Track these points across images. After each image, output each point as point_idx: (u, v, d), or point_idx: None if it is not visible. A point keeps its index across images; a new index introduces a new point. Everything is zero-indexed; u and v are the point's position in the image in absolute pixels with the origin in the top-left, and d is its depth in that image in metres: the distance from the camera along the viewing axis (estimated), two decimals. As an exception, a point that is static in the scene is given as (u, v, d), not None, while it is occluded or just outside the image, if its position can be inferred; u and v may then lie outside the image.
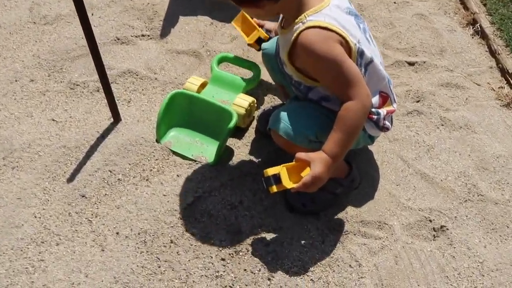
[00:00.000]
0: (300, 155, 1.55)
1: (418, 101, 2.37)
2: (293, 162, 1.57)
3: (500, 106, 2.38)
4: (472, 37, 2.80)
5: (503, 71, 2.56)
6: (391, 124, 1.84)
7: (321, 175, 1.52)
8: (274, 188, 1.54)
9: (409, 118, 2.28)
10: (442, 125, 2.26)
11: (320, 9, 1.54)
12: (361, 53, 1.61)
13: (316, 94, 1.72)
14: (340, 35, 1.53)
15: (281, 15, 1.73)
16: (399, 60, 2.55)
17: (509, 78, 2.51)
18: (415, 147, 2.16)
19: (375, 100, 1.73)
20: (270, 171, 1.54)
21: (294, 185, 1.52)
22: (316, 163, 1.52)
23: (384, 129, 1.80)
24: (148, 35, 2.61)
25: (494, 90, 2.47)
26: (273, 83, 2.30)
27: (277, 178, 1.53)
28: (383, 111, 1.75)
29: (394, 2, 2.99)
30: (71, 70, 2.38)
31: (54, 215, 1.81)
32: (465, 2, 3.02)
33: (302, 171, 1.54)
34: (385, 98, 1.77)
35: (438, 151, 2.15)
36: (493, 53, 2.68)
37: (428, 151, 2.15)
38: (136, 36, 2.59)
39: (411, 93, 2.40)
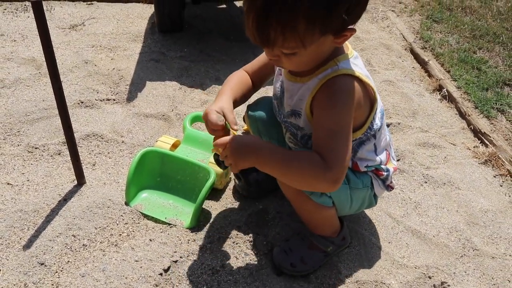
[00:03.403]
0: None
1: (398, 160, 2.30)
2: None
3: (479, 163, 2.35)
4: (441, 101, 2.84)
5: (476, 132, 2.57)
6: None
7: (238, 142, 1.40)
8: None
9: (393, 177, 2.20)
10: (426, 182, 2.19)
11: (348, 57, 1.45)
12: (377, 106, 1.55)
13: None
14: (366, 86, 1.45)
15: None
16: (374, 121, 2.52)
17: (483, 138, 2.51)
18: (402, 204, 2.06)
19: (383, 157, 1.67)
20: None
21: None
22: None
23: (390, 188, 1.74)
24: (114, 99, 2.49)
25: (470, 149, 2.45)
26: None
27: None
28: (391, 168, 1.68)
29: (362, 70, 3.03)
30: (30, 133, 2.20)
31: (7, 287, 1.55)
32: (429, 70, 3.10)
33: None
34: (388, 155, 1.71)
35: (426, 208, 2.05)
36: (463, 115, 2.70)
37: (415, 207, 2.05)
38: (100, 100, 2.46)
39: (390, 152, 2.34)
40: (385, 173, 1.67)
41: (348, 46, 1.51)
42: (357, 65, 1.46)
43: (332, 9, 1.20)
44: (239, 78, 1.71)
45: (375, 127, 1.56)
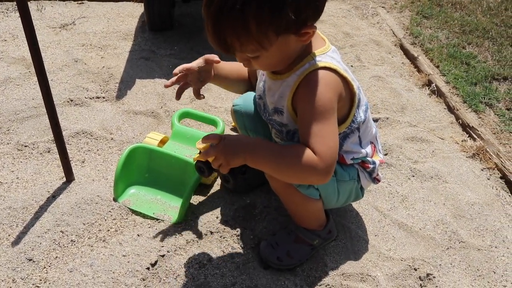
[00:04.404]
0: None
1: (386, 154, 2.32)
2: None
3: (466, 157, 2.37)
4: (430, 96, 2.85)
5: (464, 126, 2.58)
6: None
7: (228, 140, 1.40)
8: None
9: (380, 170, 2.21)
10: (413, 176, 2.20)
11: (325, 51, 1.47)
12: (359, 100, 1.55)
13: None
14: (346, 80, 1.46)
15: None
16: (363, 117, 2.53)
17: (471, 132, 2.53)
18: (389, 197, 2.08)
19: (369, 150, 1.69)
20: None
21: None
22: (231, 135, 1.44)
23: (376, 180, 1.76)
24: (103, 97, 2.50)
25: (458, 143, 2.47)
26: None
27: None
28: (377, 161, 1.69)
29: (352, 66, 3.05)
30: (19, 132, 2.21)
31: (-5, 283, 1.57)
32: (419, 66, 3.12)
33: None
34: (374, 148, 1.72)
35: (413, 201, 2.07)
36: (451, 109, 2.72)
37: (402, 201, 2.07)
38: (90, 98, 2.47)
39: (378, 146, 2.36)
40: (371, 166, 1.68)
41: (326, 40, 1.53)
42: (335, 59, 1.47)
43: (279, 10, 1.24)
44: (232, 63, 1.77)
45: (358, 119, 1.57)
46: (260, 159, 1.40)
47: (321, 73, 1.42)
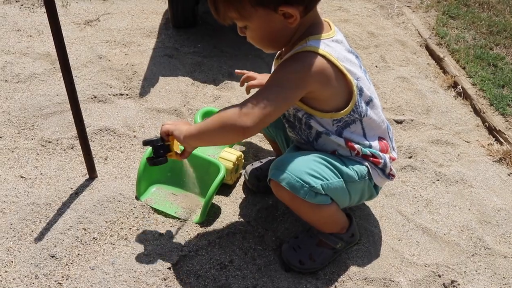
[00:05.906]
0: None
1: (410, 157, 2.28)
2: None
3: (493, 161, 2.32)
4: (455, 98, 2.81)
5: (491, 129, 2.53)
6: None
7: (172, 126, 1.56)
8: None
9: (404, 173, 2.19)
10: (438, 180, 2.17)
11: (322, 38, 1.45)
12: (360, 89, 1.52)
13: (326, 142, 1.60)
14: (337, 68, 1.44)
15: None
16: (387, 118, 2.49)
17: (497, 135, 2.48)
18: (413, 201, 2.04)
19: (376, 144, 1.64)
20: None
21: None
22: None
23: (391, 176, 1.70)
24: (127, 94, 2.50)
25: (484, 147, 2.42)
26: (261, 140, 2.19)
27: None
28: (387, 156, 1.64)
29: (376, 66, 3.01)
30: (44, 127, 2.23)
31: (18, 278, 1.57)
32: (444, 67, 3.07)
33: None
34: (385, 145, 1.67)
35: (437, 205, 2.03)
36: (477, 112, 2.67)
37: (426, 205, 2.03)
38: (114, 95, 2.48)
39: (402, 149, 2.32)
40: (381, 161, 1.62)
41: (331, 27, 1.52)
42: (331, 47, 1.45)
43: None
44: None
45: (359, 109, 1.53)
46: (192, 130, 1.51)
47: (305, 54, 1.42)
